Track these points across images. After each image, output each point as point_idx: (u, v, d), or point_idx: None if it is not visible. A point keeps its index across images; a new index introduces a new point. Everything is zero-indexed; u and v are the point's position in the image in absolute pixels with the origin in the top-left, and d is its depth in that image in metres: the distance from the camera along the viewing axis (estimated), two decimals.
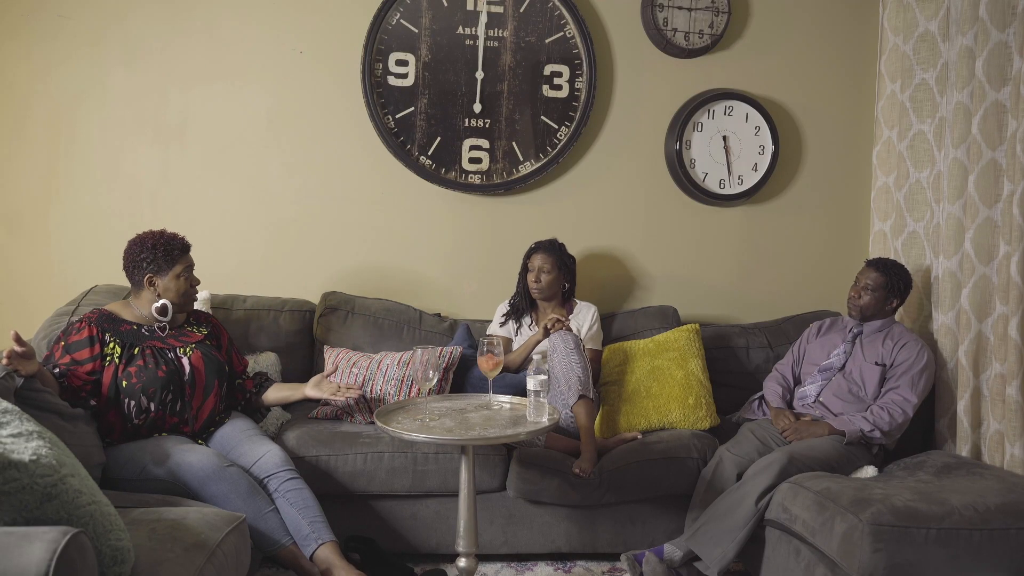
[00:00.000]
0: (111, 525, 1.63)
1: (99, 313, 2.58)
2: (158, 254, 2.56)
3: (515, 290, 3.29)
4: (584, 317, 3.21)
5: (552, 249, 3.19)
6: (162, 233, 2.61)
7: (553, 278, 3.16)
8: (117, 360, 2.49)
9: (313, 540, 2.38)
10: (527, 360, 3.04)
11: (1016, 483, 2.46)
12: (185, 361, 2.57)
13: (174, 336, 2.63)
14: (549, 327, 2.94)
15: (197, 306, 2.97)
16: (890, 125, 3.53)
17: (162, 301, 2.58)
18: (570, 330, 2.96)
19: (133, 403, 2.47)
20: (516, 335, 3.22)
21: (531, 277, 3.18)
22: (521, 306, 3.24)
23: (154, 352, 2.54)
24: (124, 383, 2.47)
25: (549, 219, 3.54)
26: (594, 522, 2.81)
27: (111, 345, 2.51)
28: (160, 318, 2.59)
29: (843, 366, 2.99)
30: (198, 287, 2.69)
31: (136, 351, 2.52)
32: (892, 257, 3.43)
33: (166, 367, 2.52)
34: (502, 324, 3.25)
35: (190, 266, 2.63)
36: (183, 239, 2.65)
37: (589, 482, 2.70)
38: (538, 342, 3.02)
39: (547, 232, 3.42)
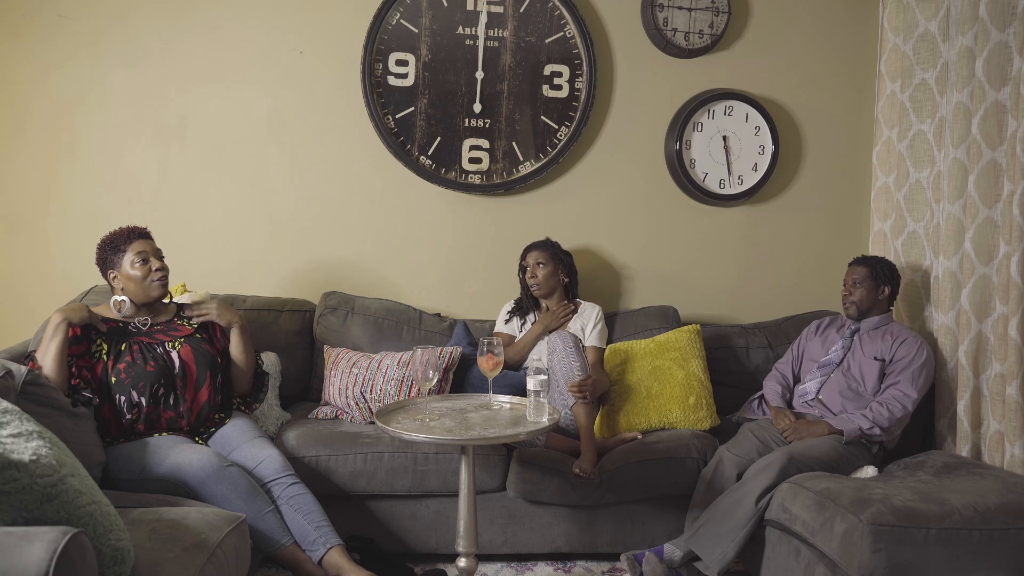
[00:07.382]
0: (111, 525, 1.63)
1: None
2: (107, 250, 2.56)
3: (519, 292, 3.31)
4: (588, 316, 3.21)
5: (545, 245, 3.24)
6: (117, 228, 2.59)
7: (549, 271, 3.18)
8: (105, 357, 2.50)
9: (321, 545, 2.38)
10: (527, 355, 3.13)
11: (1016, 483, 2.46)
12: (174, 355, 2.57)
13: (162, 331, 2.62)
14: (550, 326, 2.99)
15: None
16: (890, 125, 3.53)
17: (121, 297, 2.55)
18: (574, 312, 3.05)
19: (124, 398, 2.48)
20: (520, 331, 3.23)
21: (528, 274, 3.20)
22: (525, 305, 3.26)
23: (142, 347, 2.54)
24: (114, 379, 2.47)
25: (549, 219, 3.54)
26: (594, 522, 2.81)
27: (98, 343, 2.51)
28: (117, 314, 2.56)
29: (842, 361, 3.00)
30: (160, 272, 2.56)
31: (124, 347, 2.52)
32: (892, 258, 3.44)
33: (155, 362, 2.52)
34: (507, 321, 3.26)
35: (143, 252, 2.55)
36: (133, 227, 2.59)
37: (589, 482, 2.70)
38: (538, 335, 3.09)
39: (547, 232, 3.43)
